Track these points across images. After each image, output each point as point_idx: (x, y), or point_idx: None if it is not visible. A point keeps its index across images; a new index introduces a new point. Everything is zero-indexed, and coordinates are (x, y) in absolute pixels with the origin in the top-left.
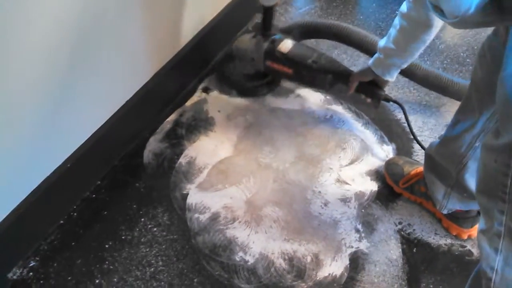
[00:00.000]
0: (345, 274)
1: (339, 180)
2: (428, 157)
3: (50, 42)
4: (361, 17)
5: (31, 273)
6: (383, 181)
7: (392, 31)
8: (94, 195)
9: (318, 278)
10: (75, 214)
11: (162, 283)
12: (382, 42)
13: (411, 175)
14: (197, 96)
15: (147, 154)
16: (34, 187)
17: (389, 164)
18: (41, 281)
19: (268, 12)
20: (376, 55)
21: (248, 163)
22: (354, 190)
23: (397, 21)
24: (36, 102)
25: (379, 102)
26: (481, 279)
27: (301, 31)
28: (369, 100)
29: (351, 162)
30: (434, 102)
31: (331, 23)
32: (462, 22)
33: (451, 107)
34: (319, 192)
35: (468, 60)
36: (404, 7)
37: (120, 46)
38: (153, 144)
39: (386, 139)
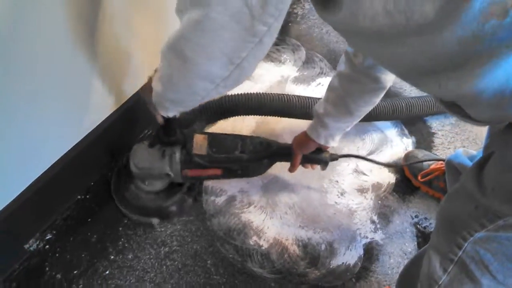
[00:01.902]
0: (359, 264)
1: (356, 171)
2: (450, 164)
3: None
4: None
5: (47, 246)
6: (402, 174)
7: (330, 95)
8: (110, 173)
9: (331, 267)
10: (92, 190)
11: (176, 262)
12: (319, 108)
13: (431, 169)
14: None
15: None
16: (53, 161)
17: (408, 156)
18: (57, 254)
19: (170, 119)
20: (314, 123)
21: None
22: (372, 181)
23: (336, 83)
24: None
25: (327, 165)
26: (419, 265)
27: (206, 115)
28: (315, 167)
29: (370, 153)
30: None
31: (241, 97)
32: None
33: None
34: (336, 181)
35: None
36: (342, 68)
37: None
38: None
39: (406, 131)
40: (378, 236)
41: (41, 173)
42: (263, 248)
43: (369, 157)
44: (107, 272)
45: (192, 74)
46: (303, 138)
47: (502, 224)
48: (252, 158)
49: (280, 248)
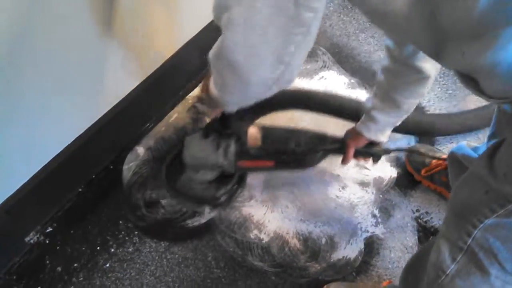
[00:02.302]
0: (359, 258)
1: (358, 165)
2: (453, 156)
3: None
4: None
5: (48, 239)
6: (403, 168)
7: (379, 91)
8: (112, 166)
9: (332, 260)
10: (93, 183)
11: (176, 256)
12: (368, 103)
13: (433, 164)
14: None
15: (167, 128)
16: (55, 154)
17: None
18: (57, 247)
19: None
20: (364, 119)
21: None
22: (373, 175)
23: (381, 78)
24: None
25: (379, 159)
26: (425, 258)
27: (255, 110)
28: (368, 160)
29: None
30: (460, 90)
31: (292, 92)
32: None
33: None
34: (338, 175)
35: None
36: (385, 62)
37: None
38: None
39: None
40: (379, 230)
41: (42, 166)
42: (264, 241)
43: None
44: (108, 265)
45: (243, 81)
46: (354, 133)
47: None
48: (306, 151)
49: (280, 241)
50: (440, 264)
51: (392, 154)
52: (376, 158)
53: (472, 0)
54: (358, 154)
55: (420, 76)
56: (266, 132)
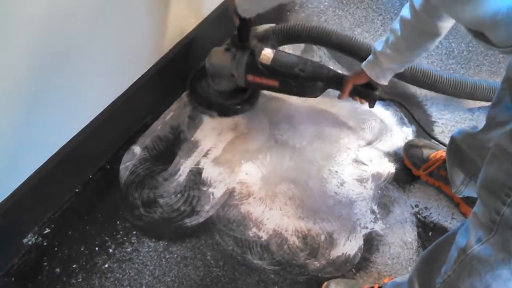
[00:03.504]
0: (359, 254)
1: (356, 160)
2: (453, 142)
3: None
4: None
5: (45, 240)
6: (401, 163)
7: (391, 37)
8: (109, 166)
9: (331, 257)
10: (90, 183)
11: (175, 255)
12: (378, 46)
13: (431, 161)
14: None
15: (163, 126)
16: (51, 155)
17: (408, 146)
18: (55, 248)
19: (244, 23)
20: (370, 58)
21: (265, 140)
22: (371, 171)
23: (397, 26)
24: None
25: (375, 103)
26: (450, 245)
27: (279, 37)
28: (363, 101)
29: (369, 142)
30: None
31: (313, 27)
32: None
33: None
34: (336, 171)
35: None
36: (406, 13)
37: (114, 40)
38: (171, 114)
39: (406, 120)
40: (378, 226)
41: (39, 166)
42: (263, 239)
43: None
44: (106, 266)
45: None
46: (358, 71)
47: None
48: (308, 77)
49: (279, 239)
50: (465, 246)
51: (390, 149)
52: (372, 101)
53: None
54: (356, 92)
55: (432, 32)
56: (278, 54)
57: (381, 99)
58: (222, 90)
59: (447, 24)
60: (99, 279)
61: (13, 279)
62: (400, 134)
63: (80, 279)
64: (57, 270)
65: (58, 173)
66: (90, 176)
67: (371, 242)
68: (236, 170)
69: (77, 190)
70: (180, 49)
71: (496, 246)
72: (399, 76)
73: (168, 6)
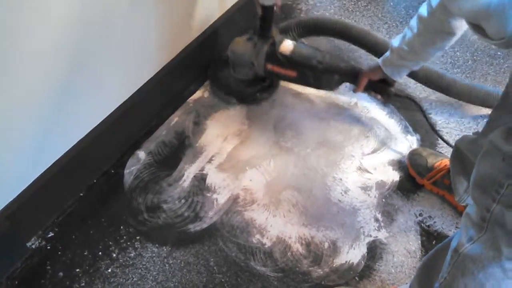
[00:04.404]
0: (362, 262)
1: (360, 168)
2: (457, 149)
3: (52, 43)
4: (391, 4)
5: (49, 244)
6: (405, 172)
7: (408, 33)
8: (113, 170)
9: (334, 265)
10: (95, 188)
11: (179, 261)
12: (395, 43)
13: (435, 170)
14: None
15: (168, 132)
16: (56, 159)
17: (412, 154)
18: (59, 252)
19: (267, 12)
20: (387, 55)
21: (269, 147)
22: (375, 179)
23: (414, 23)
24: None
25: (390, 98)
26: (445, 252)
27: (301, 30)
28: (379, 96)
29: (373, 150)
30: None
31: (335, 21)
32: (509, 42)
33: None
34: (340, 179)
35: (499, 53)
36: (424, 11)
37: (121, 45)
38: (176, 119)
39: (410, 129)
40: (382, 235)
41: (43, 170)
42: (266, 246)
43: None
44: (109, 270)
45: None
46: (374, 65)
47: None
48: (325, 69)
49: (283, 246)
50: (457, 246)
51: (394, 158)
52: (386, 96)
53: None
54: (371, 87)
55: (447, 31)
56: (298, 46)
57: (396, 95)
58: (241, 78)
59: (462, 24)
60: (102, 283)
61: (16, 282)
62: (405, 143)
63: (83, 284)
64: (60, 274)
65: (62, 177)
66: (95, 181)
67: (374, 250)
68: (240, 176)
69: (81, 194)
70: (186, 55)
71: (487, 243)
72: (413, 75)
73: (172, 13)
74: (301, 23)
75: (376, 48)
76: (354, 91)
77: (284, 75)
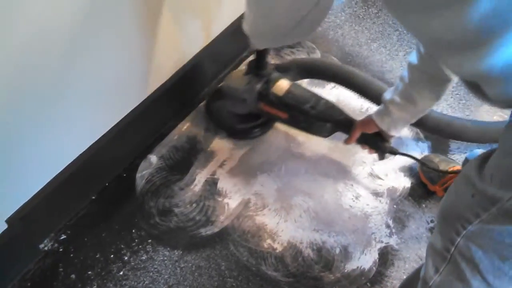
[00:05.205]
0: (374, 268)
1: (372, 174)
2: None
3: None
4: None
5: (61, 246)
6: (417, 178)
7: (400, 85)
8: (125, 174)
9: (346, 271)
10: (107, 191)
11: (190, 264)
12: (388, 95)
13: (447, 177)
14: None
15: (180, 136)
16: (69, 162)
17: (424, 161)
18: (71, 255)
19: (262, 51)
20: (380, 108)
21: (281, 152)
22: (387, 185)
23: (405, 73)
24: None
25: (384, 155)
26: (417, 279)
27: (300, 70)
28: (372, 152)
29: (385, 156)
30: (474, 100)
31: (334, 65)
32: (510, 103)
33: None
34: (351, 185)
35: None
36: (413, 59)
37: (140, 50)
38: (187, 125)
39: (422, 135)
40: (393, 241)
41: (57, 173)
42: (277, 251)
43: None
44: (121, 273)
45: (264, 25)
46: (368, 118)
47: (495, 213)
48: (317, 116)
49: (294, 251)
50: (424, 276)
51: (406, 164)
52: (381, 154)
53: (466, 8)
54: (364, 141)
55: (440, 77)
56: (292, 87)
57: (392, 152)
58: (236, 112)
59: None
60: (114, 286)
61: (28, 284)
62: (416, 149)
63: (95, 286)
64: (73, 276)
65: (75, 180)
66: (107, 184)
67: (386, 257)
68: (252, 181)
69: (93, 198)
70: (197, 62)
71: (453, 275)
72: (419, 124)
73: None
74: (302, 65)
75: (379, 98)
76: (345, 142)
77: (275, 116)
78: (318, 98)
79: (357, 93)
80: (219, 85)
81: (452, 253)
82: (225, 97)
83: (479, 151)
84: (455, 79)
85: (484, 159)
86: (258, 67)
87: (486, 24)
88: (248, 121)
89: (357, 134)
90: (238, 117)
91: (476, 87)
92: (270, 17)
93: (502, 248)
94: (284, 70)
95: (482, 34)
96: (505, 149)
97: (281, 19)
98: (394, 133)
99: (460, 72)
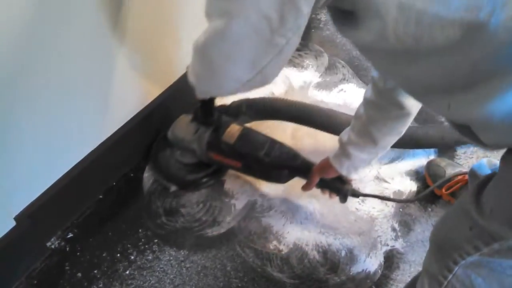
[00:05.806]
0: (379, 271)
1: (378, 178)
2: (474, 175)
3: None
4: None
5: (68, 245)
6: (423, 182)
7: (357, 123)
8: (132, 174)
9: (351, 273)
10: (114, 190)
11: (196, 265)
12: (344, 136)
13: (453, 181)
14: None
15: None
16: (77, 161)
17: (430, 165)
18: (77, 253)
19: (206, 100)
20: (338, 151)
21: None
22: (393, 189)
23: (361, 110)
24: None
25: (346, 198)
26: None
27: (251, 113)
28: (333, 196)
29: (391, 160)
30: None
31: (288, 103)
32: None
33: None
34: (358, 188)
35: None
36: (369, 94)
37: (151, 54)
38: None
39: None
40: (399, 244)
41: (65, 172)
42: (283, 252)
43: (387, 196)
44: (127, 273)
45: (218, 75)
46: (326, 162)
47: (498, 248)
48: (272, 164)
49: (300, 253)
50: None
51: (412, 168)
52: (343, 197)
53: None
54: (325, 186)
55: (401, 113)
56: (244, 133)
57: (355, 195)
58: (185, 162)
59: (417, 104)
60: (120, 285)
61: (35, 281)
62: (422, 153)
63: (101, 285)
64: (79, 275)
65: (83, 179)
66: (114, 183)
67: (391, 260)
68: (258, 183)
69: (100, 197)
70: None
71: None
72: (400, 145)
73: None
74: (253, 106)
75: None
76: (303, 189)
77: (228, 165)
78: (273, 143)
79: (319, 129)
80: (164, 133)
81: (449, 280)
82: (174, 146)
83: (485, 160)
84: (415, 112)
85: (479, 188)
86: (205, 114)
87: (480, 69)
88: (199, 170)
89: (315, 180)
90: (189, 166)
91: (468, 130)
92: (224, 70)
93: (503, 278)
94: (234, 113)
95: (477, 78)
96: (505, 186)
97: (236, 72)
98: (354, 176)
99: (447, 115)
